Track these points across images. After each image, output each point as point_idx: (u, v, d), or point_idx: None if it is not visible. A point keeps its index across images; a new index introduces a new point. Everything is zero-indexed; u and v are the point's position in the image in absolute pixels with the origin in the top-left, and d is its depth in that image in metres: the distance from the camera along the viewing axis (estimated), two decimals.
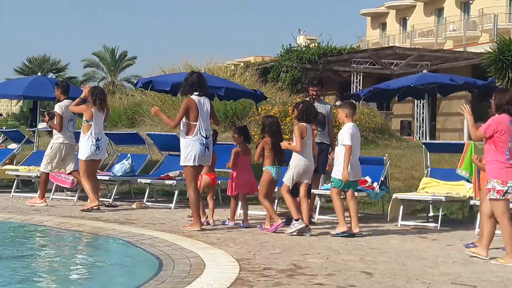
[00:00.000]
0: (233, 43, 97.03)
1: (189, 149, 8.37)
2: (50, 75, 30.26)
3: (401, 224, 9.17)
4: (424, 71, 12.31)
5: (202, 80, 8.61)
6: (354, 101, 9.92)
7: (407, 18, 46.53)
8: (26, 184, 13.03)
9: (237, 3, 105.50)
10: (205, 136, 8.44)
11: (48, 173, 10.96)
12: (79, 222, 8.91)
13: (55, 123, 10.87)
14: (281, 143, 8.54)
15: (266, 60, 32.82)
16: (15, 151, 14.03)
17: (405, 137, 24.57)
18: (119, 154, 12.67)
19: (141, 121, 23.19)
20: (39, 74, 17.56)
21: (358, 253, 7.05)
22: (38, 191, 10.90)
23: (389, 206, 9.38)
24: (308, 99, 10.22)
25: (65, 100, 10.89)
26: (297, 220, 8.22)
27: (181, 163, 8.52)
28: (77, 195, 11.56)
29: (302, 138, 8.35)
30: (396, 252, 7.23)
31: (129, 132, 15.83)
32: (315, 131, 9.26)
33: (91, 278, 6.18)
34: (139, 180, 11.61)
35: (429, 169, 10.14)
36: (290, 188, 8.41)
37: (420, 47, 34.34)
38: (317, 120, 9.93)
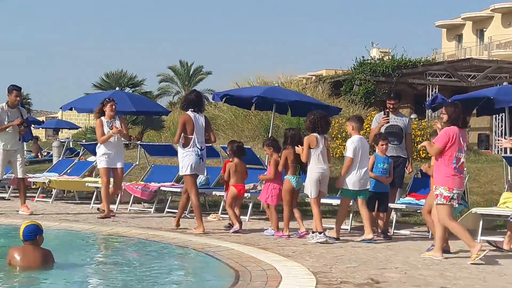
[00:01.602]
0: (305, 56, 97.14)
1: (186, 159, 9.30)
2: (127, 89, 30.99)
3: (481, 240, 8.92)
4: (505, 83, 11.96)
5: (199, 99, 9.55)
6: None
7: (484, 29, 45.53)
8: None
9: (309, 17, 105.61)
10: (199, 148, 9.35)
11: None
12: (156, 233, 9.06)
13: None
14: (296, 148, 8.88)
15: (338, 73, 32.69)
16: (94, 163, 14.42)
17: (483, 150, 23.95)
18: None
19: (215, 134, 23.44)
20: (117, 88, 17.97)
21: (437, 268, 6.90)
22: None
23: (461, 217, 9.22)
24: (383, 112, 10.14)
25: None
26: (320, 233, 8.51)
27: (180, 173, 9.50)
28: (154, 206, 11.78)
29: (311, 148, 8.70)
30: (477, 267, 7.03)
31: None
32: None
33: None
34: (214, 192, 11.74)
35: (510, 183, 9.83)
36: (314, 197, 8.73)
37: (499, 59, 33.50)
38: (393, 133, 9.86)
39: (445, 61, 34.41)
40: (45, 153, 25.03)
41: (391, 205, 9.63)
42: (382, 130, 9.90)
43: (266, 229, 9.36)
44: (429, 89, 29.89)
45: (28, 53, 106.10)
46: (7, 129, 11.08)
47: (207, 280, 6.75)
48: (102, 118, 11.06)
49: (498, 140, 8.57)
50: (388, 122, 9.85)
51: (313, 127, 8.84)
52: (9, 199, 13.41)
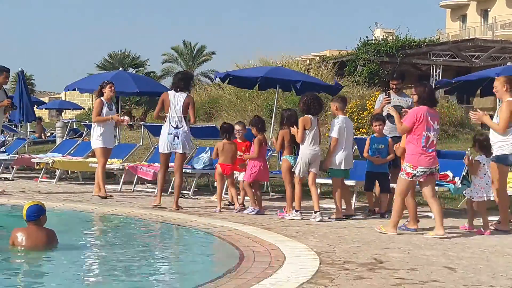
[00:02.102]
0: (309, 37, 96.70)
1: (160, 138, 9.73)
2: (130, 70, 30.95)
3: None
4: (508, 63, 11.93)
5: (180, 79, 9.72)
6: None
7: (488, 9, 45.27)
8: (108, 176, 13.36)
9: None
10: (174, 126, 9.60)
11: None
12: (160, 213, 9.09)
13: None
14: (292, 128, 8.96)
15: (342, 53, 32.54)
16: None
17: (486, 131, 23.88)
18: (197, 147, 12.85)
19: (218, 115, 23.45)
20: (120, 69, 17.93)
21: (440, 248, 6.92)
22: None
23: (465, 198, 9.23)
24: (385, 92, 10.14)
25: None
26: (296, 211, 8.79)
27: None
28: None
29: (306, 130, 8.82)
30: (479, 247, 7.06)
31: (207, 126, 16.02)
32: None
33: (173, 268, 6.31)
34: None
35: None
36: (300, 177, 8.89)
37: (503, 39, 33.35)
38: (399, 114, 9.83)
39: (449, 41, 34.26)
40: (49, 134, 25.04)
41: (393, 185, 9.63)
42: (385, 110, 9.89)
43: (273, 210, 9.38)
44: (433, 69, 29.80)
45: (31, 33, 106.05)
46: None
47: (211, 260, 6.79)
48: (102, 98, 11.14)
49: (473, 114, 8.70)
50: (390, 102, 9.85)
51: (307, 109, 8.95)
52: (13, 180, 13.46)
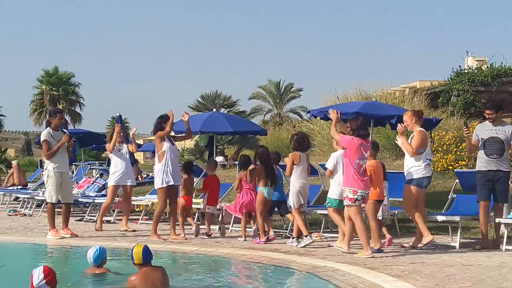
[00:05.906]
0: (397, 69, 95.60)
1: (161, 174, 10.64)
2: (222, 110, 31.43)
3: None
4: None
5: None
6: None
7: None
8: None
9: (399, 29, 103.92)
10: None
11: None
12: (260, 253, 9.05)
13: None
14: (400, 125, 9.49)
15: (434, 84, 31.88)
16: (194, 184, 14.60)
17: None
18: None
19: (309, 151, 23.34)
20: (214, 110, 18.25)
21: None
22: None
23: None
24: (464, 123, 9.94)
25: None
26: (306, 236, 9.58)
27: (156, 187, 10.87)
28: (254, 226, 11.78)
29: (295, 164, 9.78)
30: None
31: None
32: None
33: None
34: (314, 210, 11.63)
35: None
36: (296, 208, 9.85)
37: None
38: (493, 146, 9.45)
39: None
40: (145, 175, 25.61)
41: (500, 220, 9.30)
42: (481, 142, 9.54)
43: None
44: None
45: (125, 78, 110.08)
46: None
47: None
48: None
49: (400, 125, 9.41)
50: (469, 133, 9.61)
51: (299, 146, 9.90)
52: (114, 222, 13.77)
